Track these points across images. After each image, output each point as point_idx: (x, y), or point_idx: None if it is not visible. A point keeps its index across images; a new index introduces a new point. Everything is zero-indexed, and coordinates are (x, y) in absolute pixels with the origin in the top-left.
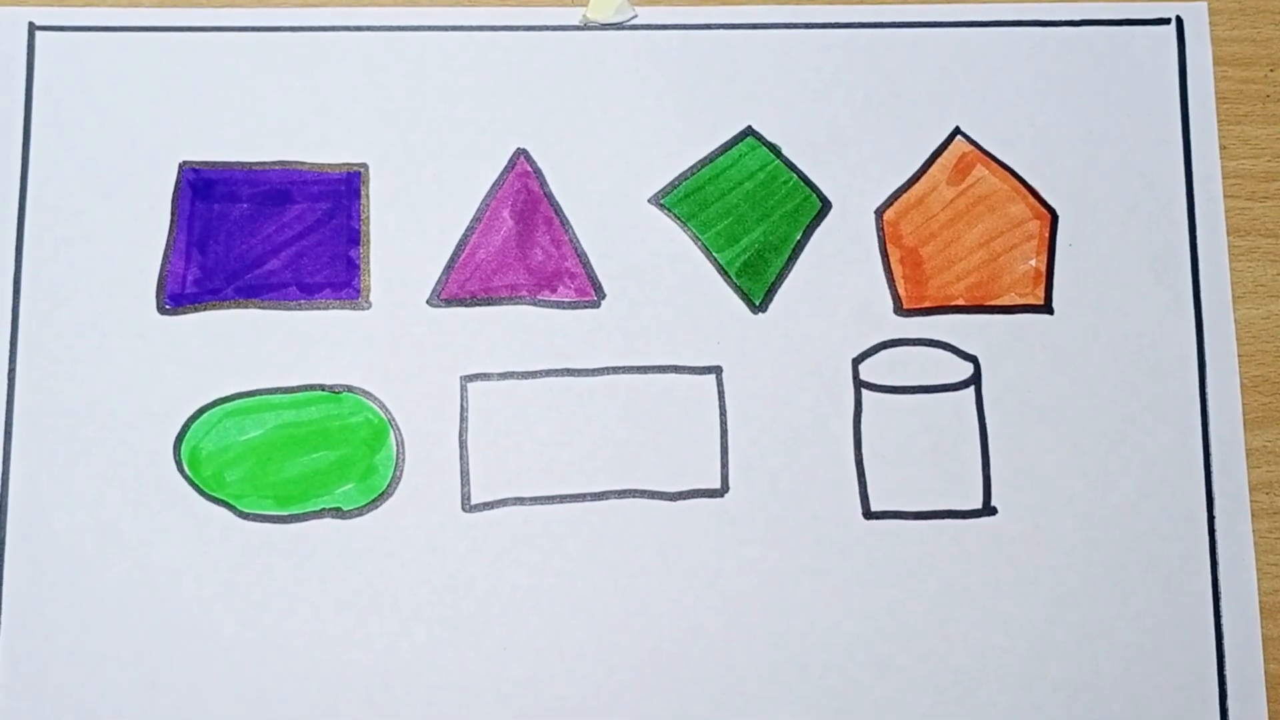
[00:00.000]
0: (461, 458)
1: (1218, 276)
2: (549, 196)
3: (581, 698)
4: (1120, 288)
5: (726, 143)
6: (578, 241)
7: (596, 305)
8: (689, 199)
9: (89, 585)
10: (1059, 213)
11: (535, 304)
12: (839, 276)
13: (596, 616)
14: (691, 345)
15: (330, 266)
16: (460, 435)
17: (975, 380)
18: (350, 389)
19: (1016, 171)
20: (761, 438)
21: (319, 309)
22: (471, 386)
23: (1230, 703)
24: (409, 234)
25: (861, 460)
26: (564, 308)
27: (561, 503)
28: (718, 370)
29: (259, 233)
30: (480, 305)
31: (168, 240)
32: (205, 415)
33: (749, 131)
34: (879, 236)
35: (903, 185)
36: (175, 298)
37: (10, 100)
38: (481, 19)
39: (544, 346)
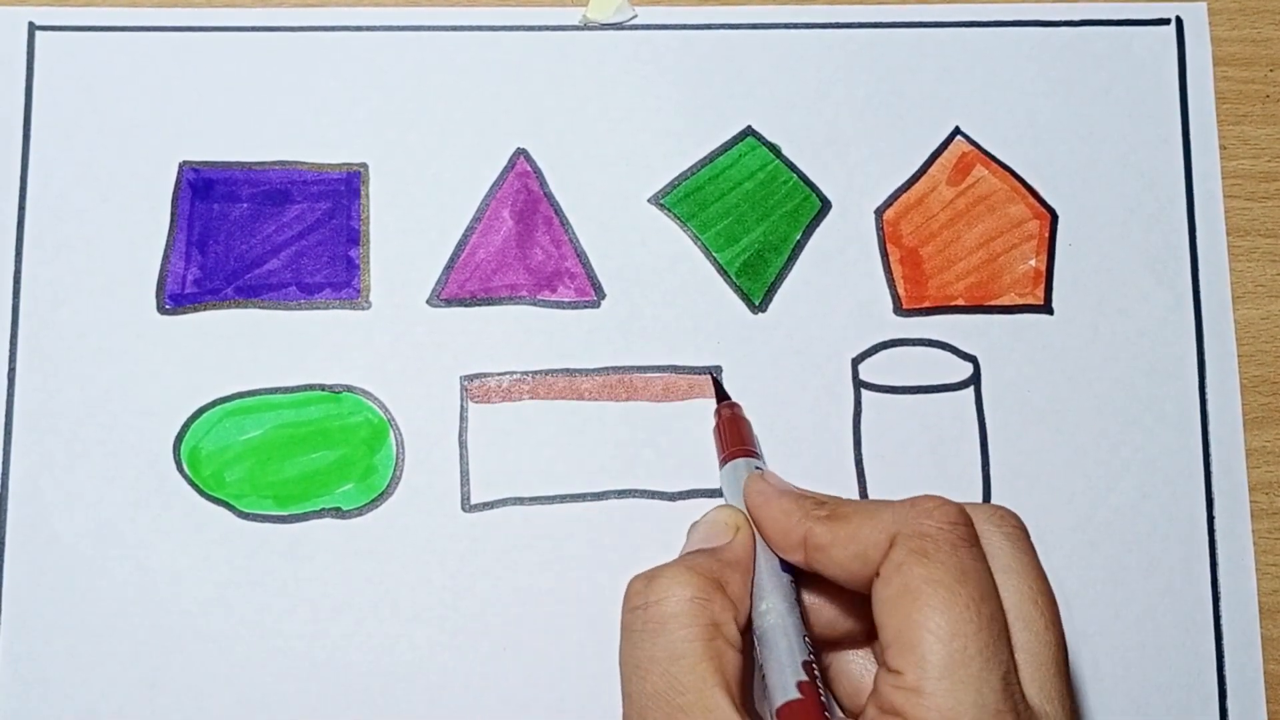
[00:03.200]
0: (461, 458)
1: (1217, 276)
2: (549, 196)
3: (581, 698)
4: (1120, 288)
5: (726, 143)
6: (577, 241)
7: (596, 305)
8: (689, 199)
9: (89, 585)
10: (1059, 213)
11: (535, 304)
12: (839, 276)
13: (596, 616)
14: (691, 345)
15: (330, 266)
16: (460, 435)
17: (975, 380)
18: (350, 389)
19: (1016, 171)
20: (761, 437)
21: (319, 309)
22: (471, 386)
23: (1230, 702)
24: (409, 234)
25: (861, 460)
26: (564, 308)
27: (561, 503)
28: (717, 370)
29: (259, 233)
30: (480, 305)
31: (168, 240)
32: (205, 415)
33: (749, 131)
34: (879, 236)
35: (902, 185)
36: (175, 298)
37: (10, 100)
38: (481, 19)
39: (544, 346)
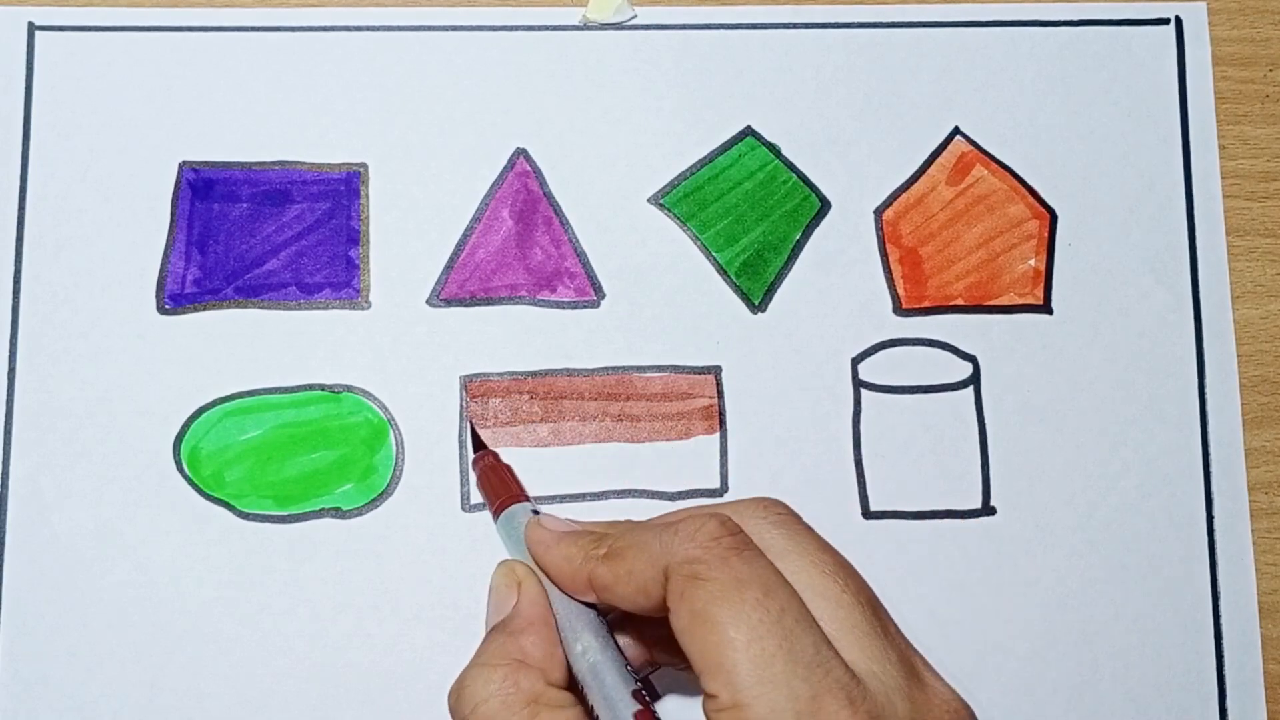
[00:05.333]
0: (461, 458)
1: (1217, 276)
2: (548, 196)
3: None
4: (1120, 288)
5: (726, 142)
6: (577, 241)
7: (596, 305)
8: (688, 199)
9: (89, 585)
10: (1058, 213)
11: (535, 304)
12: (838, 276)
13: None
14: (691, 345)
15: (330, 266)
16: (460, 435)
17: (974, 380)
18: (350, 389)
19: (1016, 171)
20: (761, 437)
21: (319, 309)
22: (471, 386)
23: (1229, 703)
24: (409, 234)
25: (860, 460)
26: (564, 308)
27: (561, 503)
28: (717, 370)
29: (259, 233)
30: (480, 305)
31: (167, 240)
32: (205, 415)
33: (748, 131)
34: (878, 236)
35: (902, 185)
36: (175, 298)
37: (10, 100)
38: (481, 19)
39: (544, 346)
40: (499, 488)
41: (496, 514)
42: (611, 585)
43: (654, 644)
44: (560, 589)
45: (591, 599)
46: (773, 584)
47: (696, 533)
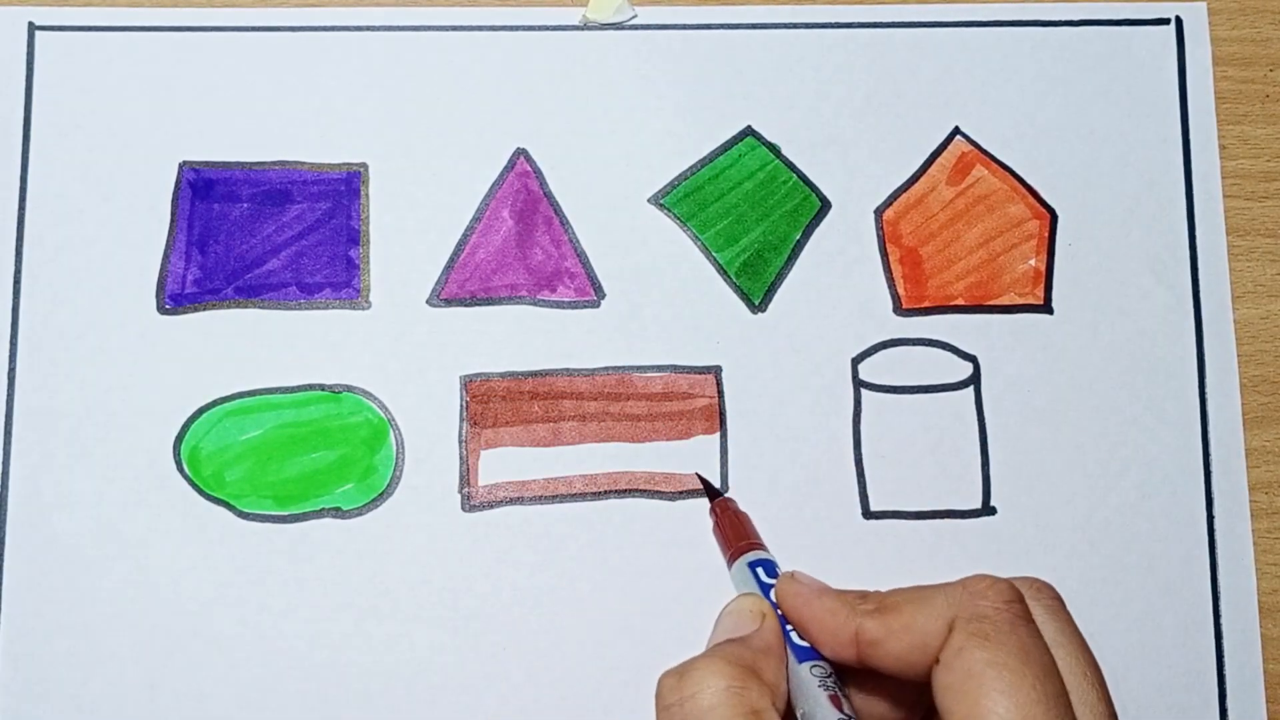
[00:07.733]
0: (461, 458)
1: (1217, 276)
2: (549, 196)
3: (581, 698)
4: (1120, 287)
5: (726, 142)
6: (577, 241)
7: (596, 305)
8: (689, 199)
9: (89, 585)
10: (1058, 212)
11: (535, 304)
12: (838, 276)
13: (596, 616)
14: (691, 345)
15: (330, 266)
16: (460, 435)
17: (975, 380)
18: (350, 389)
19: (1016, 171)
20: (761, 437)
21: (319, 309)
22: (471, 386)
23: (1229, 702)
24: (409, 234)
25: (861, 460)
26: (564, 307)
27: (561, 502)
28: (717, 370)
29: (259, 233)
30: (480, 305)
31: (168, 240)
32: (205, 415)
33: (748, 131)
34: (878, 236)
35: (902, 185)
36: (175, 298)
37: (10, 100)
38: (481, 19)
39: (544, 346)
40: (737, 533)
41: (733, 559)
42: (882, 640)
43: (878, 697)
44: (816, 644)
45: (849, 655)
46: (1050, 668)
47: (989, 590)
